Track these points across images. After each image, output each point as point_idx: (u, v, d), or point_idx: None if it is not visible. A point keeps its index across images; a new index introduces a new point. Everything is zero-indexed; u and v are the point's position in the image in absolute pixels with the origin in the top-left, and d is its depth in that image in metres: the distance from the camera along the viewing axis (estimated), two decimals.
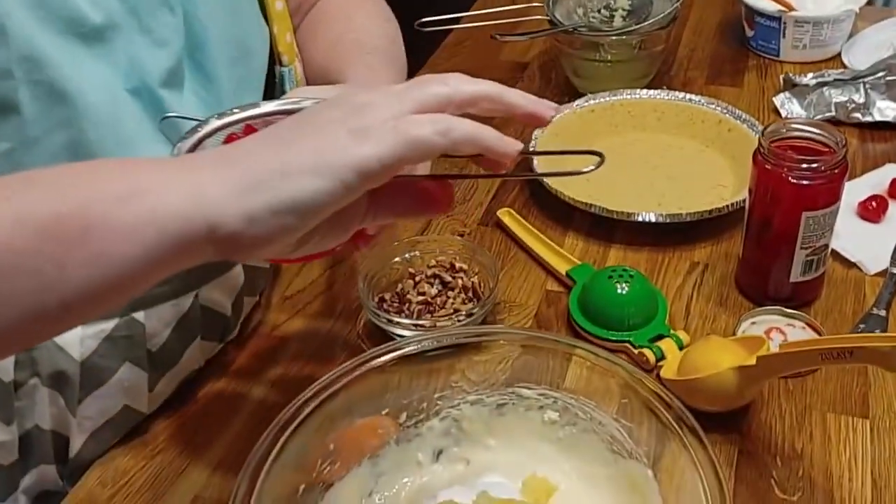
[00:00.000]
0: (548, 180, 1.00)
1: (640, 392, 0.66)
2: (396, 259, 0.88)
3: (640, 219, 0.94)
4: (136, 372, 0.77)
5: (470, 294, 0.85)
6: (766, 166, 0.81)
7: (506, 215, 1.00)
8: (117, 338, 0.75)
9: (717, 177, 1.03)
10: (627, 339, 0.83)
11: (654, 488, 0.64)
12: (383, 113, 0.50)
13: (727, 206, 0.93)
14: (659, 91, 1.13)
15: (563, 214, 1.00)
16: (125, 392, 0.77)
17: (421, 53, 1.34)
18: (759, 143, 0.81)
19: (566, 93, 1.21)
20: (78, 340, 0.73)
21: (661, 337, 0.83)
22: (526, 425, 0.71)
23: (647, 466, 0.65)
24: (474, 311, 0.82)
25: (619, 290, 0.84)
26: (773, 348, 0.78)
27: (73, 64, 0.66)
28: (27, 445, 0.76)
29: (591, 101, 1.12)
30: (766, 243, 0.85)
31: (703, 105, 1.10)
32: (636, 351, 0.82)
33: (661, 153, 1.09)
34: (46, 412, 0.75)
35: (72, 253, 0.47)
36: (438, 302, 0.85)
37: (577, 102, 1.12)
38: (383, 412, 0.70)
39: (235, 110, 0.65)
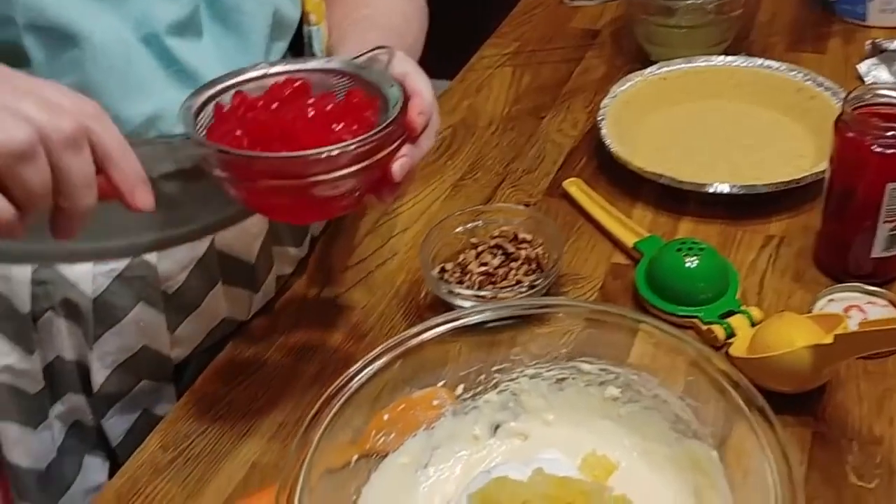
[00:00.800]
0: (615, 149, 0.96)
1: (707, 370, 0.63)
2: (459, 229, 0.87)
3: (711, 190, 0.90)
4: (152, 312, 0.77)
5: (533, 266, 0.83)
6: (849, 134, 0.77)
7: (572, 186, 0.97)
8: (130, 277, 0.75)
9: (795, 147, 0.98)
10: (696, 314, 0.80)
11: (718, 470, 0.61)
12: None
13: (805, 176, 0.89)
14: (735, 57, 1.08)
15: (631, 185, 0.97)
16: (142, 331, 0.78)
17: (492, 21, 1.31)
18: (842, 110, 0.77)
19: (638, 60, 1.16)
20: (90, 277, 0.74)
21: (731, 313, 0.79)
22: (586, 401, 0.69)
23: (711, 447, 0.63)
24: (537, 282, 0.80)
25: (687, 264, 0.81)
26: (852, 327, 0.74)
27: (79, 8, 0.66)
28: (52, 375, 0.78)
29: (664, 69, 1.08)
30: (846, 216, 0.80)
31: (782, 72, 1.05)
32: (704, 327, 0.79)
33: (736, 122, 1.04)
34: (66, 344, 0.77)
35: None
36: (500, 273, 0.83)
37: (648, 70, 1.08)
38: (440, 384, 0.68)
39: (252, 68, 0.66)
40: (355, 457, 0.63)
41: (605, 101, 1.03)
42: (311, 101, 0.64)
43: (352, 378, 0.63)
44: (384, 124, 0.61)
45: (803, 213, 0.91)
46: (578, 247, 0.91)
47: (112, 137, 0.53)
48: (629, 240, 0.88)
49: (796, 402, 0.72)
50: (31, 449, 0.77)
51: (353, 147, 0.60)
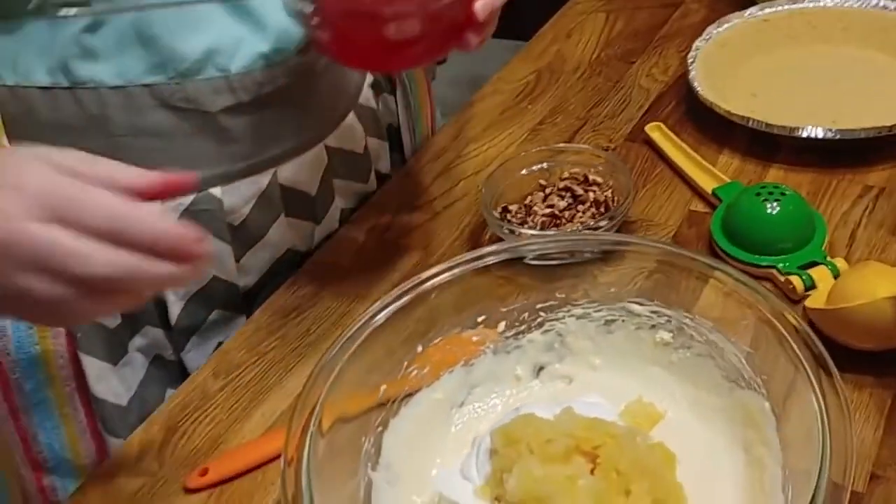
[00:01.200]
0: (702, 91, 0.90)
1: (776, 325, 0.57)
2: (524, 171, 0.83)
3: (805, 134, 0.83)
4: (219, 244, 0.78)
5: (602, 210, 0.79)
6: None
7: (655, 130, 0.91)
8: (196, 211, 0.76)
9: None
10: (774, 264, 0.73)
11: (771, 423, 0.56)
12: None
13: None
14: None
15: (719, 132, 0.90)
16: (211, 263, 0.77)
17: None
18: None
19: (742, 5, 1.08)
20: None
21: (814, 264, 0.73)
22: (636, 345, 0.65)
23: (765, 399, 0.57)
24: (601, 223, 0.75)
25: (768, 210, 0.75)
26: None
27: None
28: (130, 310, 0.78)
29: (767, 10, 1.00)
30: None
31: None
32: (783, 278, 0.72)
33: (843, 68, 0.96)
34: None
35: None
36: (566, 216, 0.79)
37: (749, 11, 1.01)
38: (479, 319, 0.65)
39: None
40: (384, 387, 0.61)
41: (699, 43, 0.97)
42: None
43: (386, 305, 0.61)
44: None
45: None
46: (655, 193, 0.86)
47: (143, 233, 0.50)
48: (709, 186, 0.82)
49: (880, 361, 0.66)
50: (114, 383, 0.78)
51: None
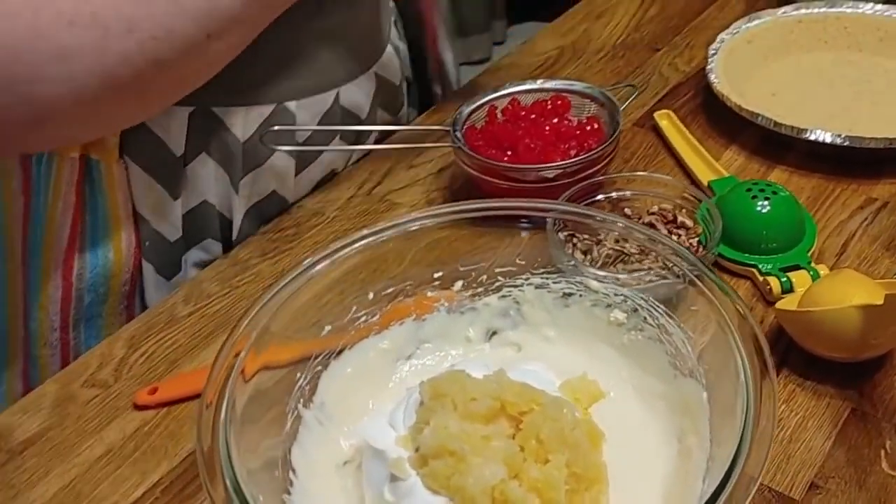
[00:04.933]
0: (715, 82, 0.87)
1: (723, 315, 0.54)
2: (600, 197, 0.75)
3: (811, 137, 0.80)
4: (287, 158, 0.82)
5: None
6: None
7: (664, 118, 0.89)
8: (274, 124, 0.79)
9: None
10: (756, 263, 0.71)
11: (705, 414, 0.54)
12: None
13: None
14: (887, 7, 0.95)
15: (730, 128, 0.88)
16: (275, 177, 0.82)
17: None
18: None
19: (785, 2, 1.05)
20: (242, 123, 0.78)
21: (797, 269, 0.70)
22: (590, 322, 0.63)
23: (703, 389, 0.55)
24: (667, 277, 0.63)
25: (757, 207, 0.72)
26: None
27: None
28: (193, 220, 0.82)
29: (802, 10, 0.97)
30: None
31: None
32: (761, 278, 0.70)
33: (872, 78, 0.92)
34: (213, 188, 0.81)
35: None
36: (636, 257, 0.70)
37: (783, 9, 0.97)
38: (436, 275, 0.64)
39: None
40: (328, 327, 0.60)
41: (724, 36, 0.94)
42: (555, 120, 0.81)
43: (340, 248, 0.60)
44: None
45: None
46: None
47: None
48: (706, 178, 0.80)
49: (842, 372, 0.63)
50: (165, 295, 0.80)
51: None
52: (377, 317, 0.62)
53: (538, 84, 0.85)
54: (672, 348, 0.59)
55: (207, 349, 0.72)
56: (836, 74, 0.93)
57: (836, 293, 0.62)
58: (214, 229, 0.83)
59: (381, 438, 0.54)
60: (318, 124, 0.83)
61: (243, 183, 0.81)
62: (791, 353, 0.65)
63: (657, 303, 0.60)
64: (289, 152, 0.81)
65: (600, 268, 0.67)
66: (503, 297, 0.65)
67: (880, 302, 0.57)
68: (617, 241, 0.71)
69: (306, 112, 0.81)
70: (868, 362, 0.64)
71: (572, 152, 0.77)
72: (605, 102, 0.82)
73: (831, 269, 0.71)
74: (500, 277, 0.64)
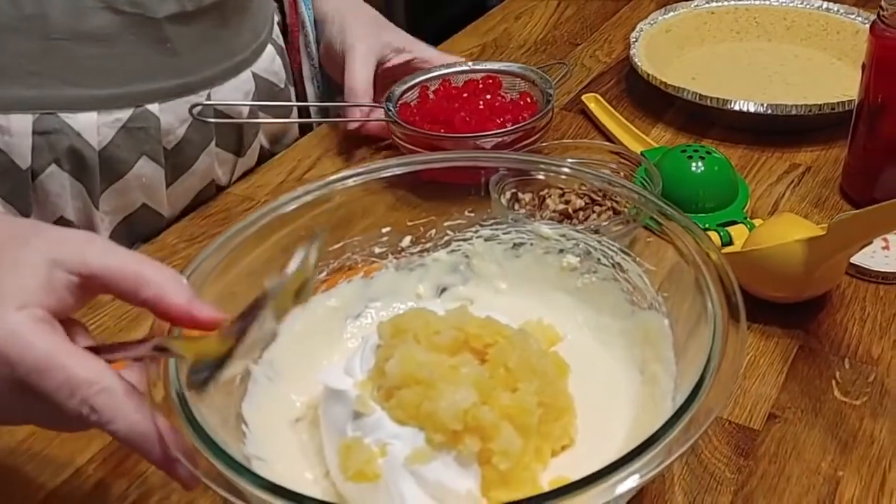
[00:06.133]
0: (640, 63, 0.90)
1: (685, 248, 0.54)
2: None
3: (736, 107, 0.82)
4: (153, 167, 0.75)
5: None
6: (887, 33, 0.68)
7: (592, 101, 0.90)
8: (133, 129, 0.73)
9: (845, 88, 0.89)
10: (694, 221, 0.72)
11: (668, 340, 0.54)
12: None
13: (843, 101, 0.80)
14: None
15: (656, 108, 0.90)
16: (142, 188, 0.76)
17: None
18: (880, 7, 0.69)
19: None
20: (95, 128, 0.72)
21: (734, 224, 0.71)
22: (542, 270, 0.62)
23: (665, 316, 0.55)
24: (616, 227, 0.64)
25: (692, 168, 0.74)
26: (875, 258, 0.66)
27: None
28: None
29: (713, 3, 1.01)
30: (878, 133, 0.72)
31: (840, 14, 0.97)
32: None
33: (784, 64, 0.96)
34: (70, 204, 0.74)
35: None
36: (580, 216, 0.70)
37: (696, 2, 1.01)
38: (384, 230, 0.62)
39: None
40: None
41: (643, 26, 0.97)
42: (488, 96, 0.81)
43: (283, 204, 0.58)
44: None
45: (836, 146, 0.82)
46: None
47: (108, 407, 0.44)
48: (637, 150, 0.81)
49: (789, 313, 0.65)
50: None
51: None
52: (325, 273, 0.61)
53: (469, 66, 0.86)
54: (629, 285, 0.58)
55: (133, 332, 0.68)
56: (750, 60, 0.97)
57: (777, 232, 0.63)
58: None
59: (339, 382, 0.52)
60: (189, 128, 0.77)
61: (104, 197, 0.75)
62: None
63: (611, 242, 0.59)
64: (155, 160, 0.76)
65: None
66: (452, 251, 0.64)
67: (823, 233, 0.59)
68: (562, 197, 0.71)
69: (171, 115, 0.75)
70: (810, 303, 0.65)
71: (508, 125, 0.77)
72: (536, 80, 0.83)
73: None
74: (448, 231, 0.63)
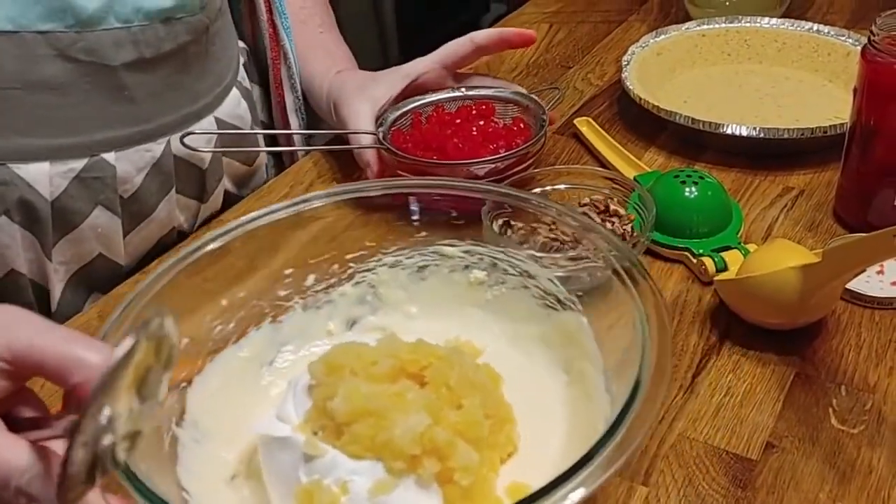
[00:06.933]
0: (632, 87, 0.90)
1: (594, 240, 0.58)
2: (537, 189, 0.75)
3: (729, 131, 0.82)
4: (109, 216, 0.74)
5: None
6: (878, 59, 0.68)
7: (584, 124, 0.90)
8: (87, 179, 0.71)
9: (837, 111, 0.90)
10: (689, 246, 0.72)
11: (589, 335, 0.56)
12: None
13: (835, 125, 0.80)
14: (782, 21, 1.00)
15: (648, 131, 0.90)
16: (98, 238, 0.74)
17: None
18: (871, 33, 0.69)
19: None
20: (47, 179, 0.70)
21: (728, 249, 0.71)
22: (451, 289, 0.63)
23: (581, 314, 0.57)
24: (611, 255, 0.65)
25: (685, 193, 0.74)
26: (870, 283, 0.66)
27: None
28: (5, 291, 0.72)
29: (704, 25, 1.01)
30: (870, 157, 0.72)
31: (831, 36, 0.97)
32: (695, 259, 0.71)
33: (776, 85, 0.96)
34: (22, 256, 0.72)
35: None
36: (570, 244, 0.69)
37: (687, 24, 1.01)
38: (287, 272, 0.61)
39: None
40: (185, 341, 0.55)
41: (635, 48, 0.97)
42: (481, 122, 0.81)
43: (184, 257, 0.56)
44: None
45: (829, 169, 0.82)
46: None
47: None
48: (630, 175, 0.81)
49: (785, 340, 0.64)
50: None
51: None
52: (232, 324, 0.59)
53: (461, 92, 0.85)
54: (539, 290, 0.60)
55: None
56: (741, 83, 0.97)
57: (772, 259, 0.63)
58: (28, 302, 0.74)
59: (278, 430, 0.51)
60: (146, 176, 0.75)
61: (58, 248, 0.73)
62: (732, 326, 0.66)
63: (514, 251, 0.60)
64: (111, 210, 0.74)
65: (539, 252, 0.67)
66: (357, 283, 0.63)
67: (818, 259, 0.58)
68: (552, 229, 0.71)
69: (128, 163, 0.74)
70: (805, 330, 0.65)
71: (501, 151, 0.77)
72: (529, 105, 0.83)
73: None
74: (351, 264, 0.63)
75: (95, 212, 0.73)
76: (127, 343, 0.40)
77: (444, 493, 0.48)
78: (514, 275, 0.61)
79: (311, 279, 0.62)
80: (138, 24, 0.70)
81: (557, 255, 0.67)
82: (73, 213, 0.72)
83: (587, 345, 0.55)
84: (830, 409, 0.60)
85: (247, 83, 0.89)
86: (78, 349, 0.42)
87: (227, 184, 0.86)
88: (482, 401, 0.50)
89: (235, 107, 0.84)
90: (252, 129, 0.87)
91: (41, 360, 0.41)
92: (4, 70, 0.66)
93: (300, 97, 0.92)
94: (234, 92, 0.84)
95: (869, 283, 0.67)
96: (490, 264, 0.62)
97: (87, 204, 0.73)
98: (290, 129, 0.93)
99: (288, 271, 0.61)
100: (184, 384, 0.55)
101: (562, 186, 0.75)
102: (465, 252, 0.62)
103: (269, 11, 0.87)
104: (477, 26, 1.20)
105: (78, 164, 0.71)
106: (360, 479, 0.47)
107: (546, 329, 0.59)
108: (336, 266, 0.62)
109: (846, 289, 0.66)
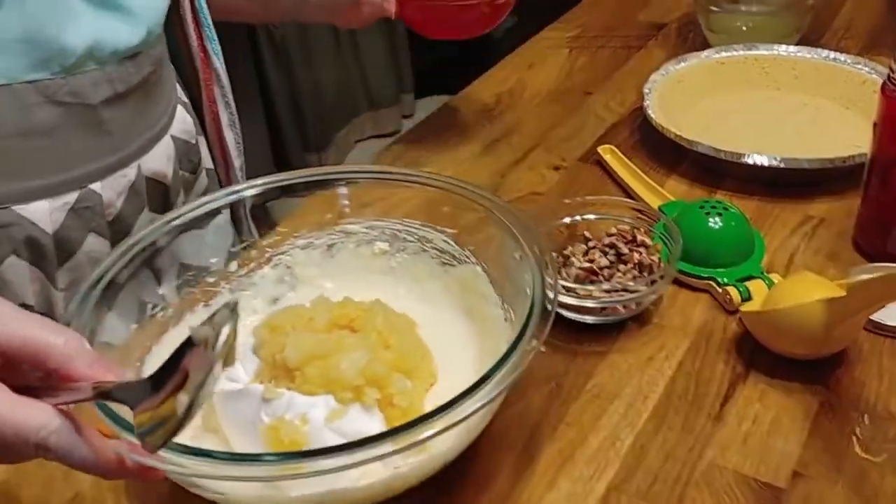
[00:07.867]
0: (654, 116, 0.92)
1: (478, 206, 0.66)
2: (566, 220, 0.77)
3: (750, 161, 0.84)
4: (101, 241, 0.78)
5: (644, 273, 0.72)
6: None
7: (607, 152, 0.93)
8: (80, 209, 0.76)
9: (854, 138, 0.92)
10: (714, 276, 0.74)
11: (484, 280, 0.67)
12: None
13: (854, 156, 0.82)
14: (799, 48, 1.03)
15: (670, 159, 0.92)
16: (91, 262, 0.78)
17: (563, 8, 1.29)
18: (890, 70, 0.71)
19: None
20: (48, 214, 0.74)
21: (752, 279, 0.73)
22: (358, 261, 0.73)
23: (475, 264, 0.68)
24: (640, 287, 0.70)
25: (710, 224, 0.76)
26: (891, 313, 0.68)
27: None
28: None
29: (723, 53, 1.04)
30: (891, 188, 0.74)
31: (847, 64, 0.99)
32: (720, 289, 0.73)
33: (793, 113, 0.99)
34: (30, 289, 0.76)
35: None
36: (605, 273, 0.72)
37: (706, 52, 1.04)
38: (213, 260, 0.70)
39: None
40: (133, 328, 0.64)
41: (655, 77, 0.99)
42: None
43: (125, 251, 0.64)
44: None
45: (849, 197, 0.84)
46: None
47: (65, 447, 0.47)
48: (654, 204, 0.83)
49: (809, 369, 0.66)
50: None
51: None
52: (171, 310, 0.67)
53: None
54: (436, 251, 0.71)
55: None
56: (760, 110, 0.99)
57: (797, 292, 0.65)
58: None
59: (234, 386, 0.59)
60: (125, 199, 0.80)
61: (58, 276, 0.77)
62: (757, 356, 0.68)
63: (411, 221, 0.71)
64: (101, 235, 0.78)
65: (573, 283, 0.70)
66: (275, 266, 0.73)
67: (843, 293, 0.61)
68: (586, 255, 0.73)
69: (111, 190, 0.78)
70: (829, 359, 0.67)
71: None
72: None
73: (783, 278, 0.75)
74: (267, 249, 0.72)
75: (89, 238, 0.78)
76: (227, 327, 0.44)
77: (386, 415, 0.57)
78: (412, 241, 0.71)
79: (233, 265, 0.72)
80: (113, 64, 0.75)
81: (591, 287, 0.70)
82: (70, 242, 0.77)
83: (484, 289, 0.67)
84: (854, 438, 0.62)
85: (185, 97, 0.93)
86: (50, 336, 0.46)
87: (183, 198, 0.90)
88: (406, 340, 0.61)
89: (183, 122, 0.89)
90: (196, 141, 0.92)
91: (17, 347, 0.46)
92: (2, 121, 0.70)
93: (234, 112, 0.95)
94: (179, 108, 0.89)
95: (890, 312, 0.69)
96: (391, 236, 0.72)
97: (81, 232, 0.77)
98: (224, 144, 0.96)
99: (214, 260, 0.71)
100: (137, 363, 0.63)
101: (591, 217, 0.78)
102: (368, 227, 0.72)
103: (200, 37, 0.90)
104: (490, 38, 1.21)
105: (71, 197, 0.75)
106: (316, 411, 0.56)
107: (446, 282, 0.70)
108: (254, 252, 0.72)
109: (868, 319, 0.68)
